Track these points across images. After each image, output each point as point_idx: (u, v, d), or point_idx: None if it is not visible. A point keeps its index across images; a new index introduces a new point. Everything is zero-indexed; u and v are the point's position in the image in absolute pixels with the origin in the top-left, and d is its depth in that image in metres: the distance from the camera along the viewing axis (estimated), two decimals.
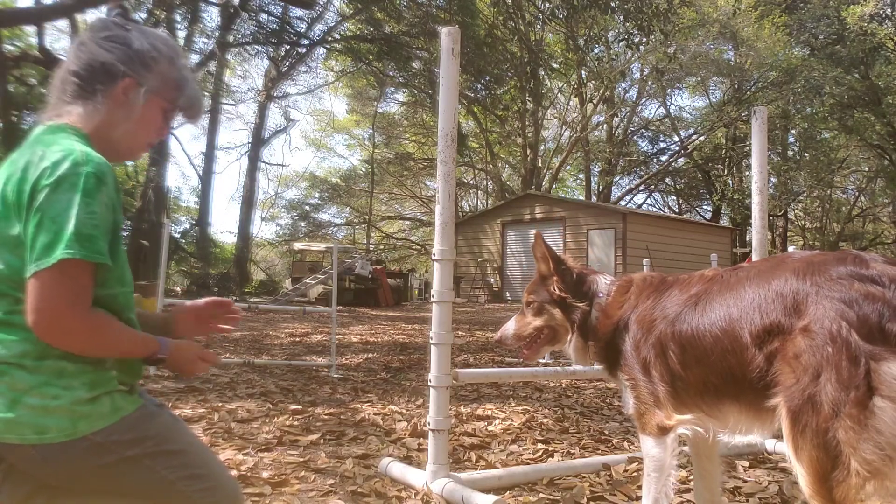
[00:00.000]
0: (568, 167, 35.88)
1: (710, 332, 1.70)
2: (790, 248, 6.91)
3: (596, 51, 24.73)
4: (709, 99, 33.88)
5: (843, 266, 1.48)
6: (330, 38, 23.21)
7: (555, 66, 26.41)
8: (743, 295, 1.66)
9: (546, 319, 2.10)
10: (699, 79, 31.18)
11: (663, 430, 1.82)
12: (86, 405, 1.44)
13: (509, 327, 2.16)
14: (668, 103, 34.14)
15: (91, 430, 1.43)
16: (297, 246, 31.15)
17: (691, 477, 2.67)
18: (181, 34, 19.77)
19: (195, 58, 19.72)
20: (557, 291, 2.07)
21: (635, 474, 2.70)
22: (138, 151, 1.68)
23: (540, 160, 31.11)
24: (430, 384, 2.47)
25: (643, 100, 33.42)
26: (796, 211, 36.06)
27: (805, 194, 33.08)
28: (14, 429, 1.40)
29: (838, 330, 1.36)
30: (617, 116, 33.36)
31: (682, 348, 1.76)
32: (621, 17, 16.14)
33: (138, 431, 1.49)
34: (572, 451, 3.15)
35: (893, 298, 1.35)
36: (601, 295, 2.05)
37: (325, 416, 3.82)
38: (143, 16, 18.66)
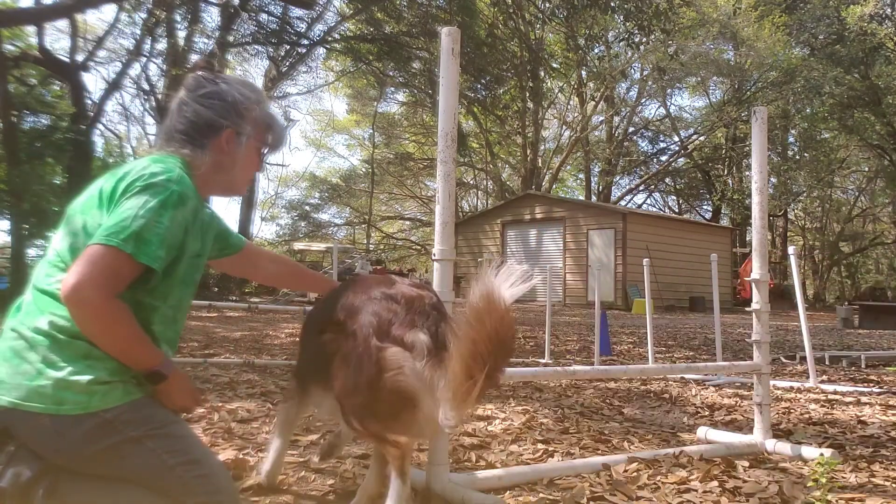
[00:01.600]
0: (568, 167, 35.90)
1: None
2: (790, 249, 6.90)
3: (596, 51, 24.77)
4: (709, 99, 33.91)
5: (381, 287, 1.99)
6: (330, 38, 23.20)
7: (555, 65, 26.42)
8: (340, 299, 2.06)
9: None
10: (699, 79, 31.19)
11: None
12: (103, 385, 1.55)
13: None
14: (668, 103, 34.19)
15: (103, 407, 1.54)
16: (298, 246, 31.15)
17: (692, 477, 2.67)
18: (181, 34, 19.77)
19: (195, 58, 19.71)
20: None
21: (635, 474, 2.70)
22: (242, 187, 1.93)
23: (540, 160, 31.12)
24: None
25: (643, 100, 33.44)
26: (796, 211, 36.07)
27: (805, 194, 33.09)
28: (37, 397, 1.50)
29: (365, 334, 1.88)
30: (617, 116, 33.37)
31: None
32: (621, 17, 16.14)
33: (144, 413, 1.59)
34: (572, 451, 3.15)
35: (400, 311, 1.89)
36: None
37: (325, 416, 3.82)
38: (143, 16, 18.67)
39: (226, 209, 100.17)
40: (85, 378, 1.52)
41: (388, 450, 1.94)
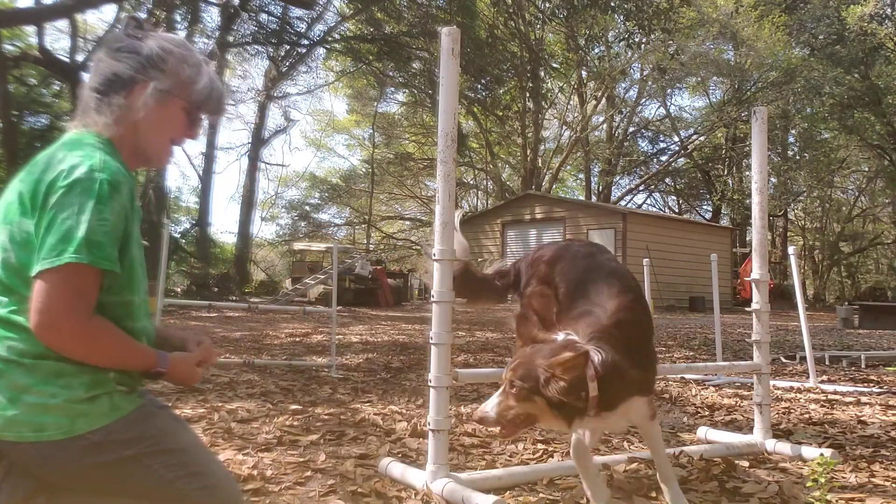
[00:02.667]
0: (568, 167, 35.88)
1: None
2: (790, 249, 6.92)
3: (596, 51, 24.77)
4: (709, 99, 33.90)
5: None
6: (330, 38, 23.21)
7: (555, 66, 26.42)
8: None
9: (532, 408, 1.97)
10: (699, 79, 31.18)
11: None
12: (84, 404, 1.45)
13: (490, 409, 2.00)
14: (668, 103, 34.17)
15: (89, 429, 1.45)
16: (297, 246, 31.14)
17: (692, 477, 2.67)
18: (181, 34, 19.77)
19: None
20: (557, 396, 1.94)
21: (635, 474, 2.70)
22: (165, 153, 1.71)
23: (540, 160, 31.11)
24: (430, 384, 2.47)
25: (643, 100, 33.43)
26: (796, 211, 36.06)
27: (805, 194, 33.08)
28: (12, 427, 1.41)
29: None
30: (617, 116, 33.35)
31: None
32: (621, 17, 16.14)
33: (137, 431, 1.50)
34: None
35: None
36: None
37: (325, 416, 3.82)
38: (143, 16, 18.67)
39: (225, 209, 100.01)
40: (60, 399, 1.43)
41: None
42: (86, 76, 1.73)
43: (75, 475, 1.48)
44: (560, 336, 2.07)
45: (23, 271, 1.45)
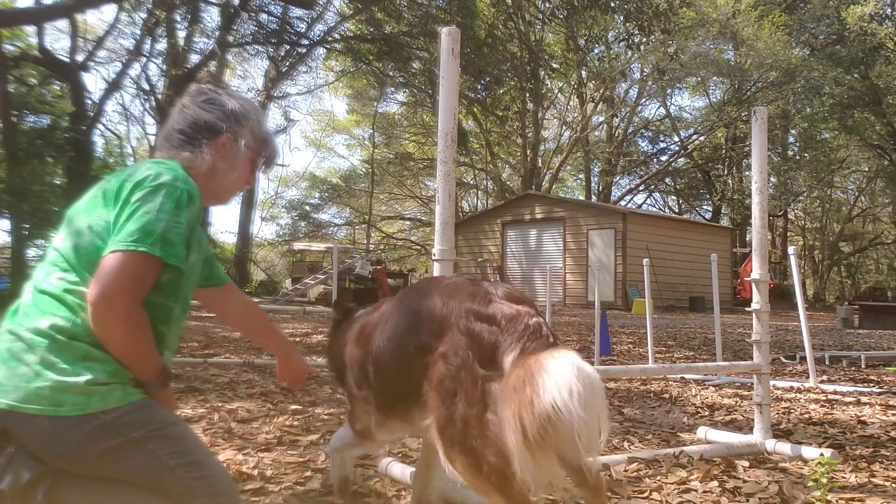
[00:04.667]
0: (568, 167, 35.89)
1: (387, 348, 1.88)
2: (790, 249, 6.92)
3: (596, 51, 24.76)
4: (709, 99, 33.92)
5: (472, 301, 1.68)
6: (330, 38, 23.19)
7: (555, 66, 26.39)
8: (409, 313, 1.83)
9: None
10: (699, 79, 31.18)
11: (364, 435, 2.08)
12: (101, 386, 1.55)
13: None
14: (668, 103, 34.19)
15: (102, 409, 1.53)
16: (298, 246, 31.13)
17: (692, 477, 2.67)
18: (181, 34, 19.78)
19: (195, 58, 19.74)
20: None
21: (635, 474, 2.70)
22: (233, 195, 1.95)
23: (540, 160, 31.11)
24: None
25: (643, 100, 33.45)
26: (796, 211, 36.08)
27: (805, 194, 33.10)
28: (34, 399, 1.50)
29: (465, 358, 1.60)
30: (617, 116, 33.37)
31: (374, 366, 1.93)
32: (621, 18, 16.14)
33: (144, 415, 1.59)
34: None
35: (503, 333, 1.59)
36: None
37: (325, 416, 3.82)
38: (143, 16, 18.66)
39: (226, 209, 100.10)
40: (83, 379, 1.52)
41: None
42: (163, 116, 2.01)
43: (81, 455, 1.54)
44: None
45: (92, 255, 1.60)
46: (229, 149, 1.84)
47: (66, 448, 1.53)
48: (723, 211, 32.77)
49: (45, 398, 1.50)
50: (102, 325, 1.54)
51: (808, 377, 5.73)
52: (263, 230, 44.32)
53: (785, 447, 3.16)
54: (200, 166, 1.80)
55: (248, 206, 27.85)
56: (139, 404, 1.59)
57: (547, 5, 18.68)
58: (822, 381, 5.70)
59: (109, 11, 23.76)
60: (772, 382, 4.98)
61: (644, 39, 17.01)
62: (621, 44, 19.51)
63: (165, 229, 1.58)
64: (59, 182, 14.69)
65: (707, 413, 4.32)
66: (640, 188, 35.70)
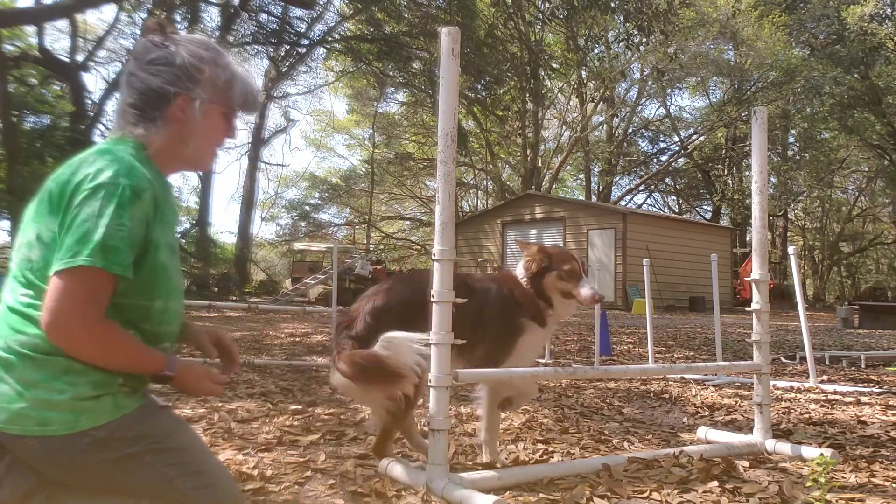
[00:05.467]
0: (568, 167, 35.89)
1: None
2: (790, 249, 6.95)
3: (596, 51, 24.76)
4: (709, 99, 33.92)
5: None
6: (330, 38, 23.21)
7: (555, 66, 26.40)
8: None
9: None
10: (699, 79, 31.20)
11: None
12: (89, 401, 1.47)
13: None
14: (668, 103, 34.20)
15: (93, 425, 1.46)
16: (298, 246, 31.15)
17: (692, 477, 2.67)
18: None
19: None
20: None
21: (635, 474, 2.70)
22: (209, 159, 1.75)
23: (540, 160, 31.11)
24: (430, 384, 2.47)
25: (643, 100, 33.46)
26: (796, 211, 36.08)
27: (805, 194, 33.10)
28: (18, 420, 1.43)
29: None
30: (617, 116, 33.37)
31: None
32: (621, 18, 16.14)
33: (139, 429, 1.52)
34: (572, 451, 3.15)
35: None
36: None
37: (325, 416, 3.82)
38: (143, 16, 18.65)
39: (226, 209, 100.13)
40: (67, 395, 1.45)
41: None
42: (119, 90, 1.72)
43: (77, 471, 1.50)
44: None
45: (45, 269, 1.48)
46: (188, 113, 1.64)
47: (58, 464, 1.47)
48: (723, 211, 32.78)
49: (31, 418, 1.43)
50: (70, 350, 1.45)
51: (808, 377, 5.73)
52: (263, 230, 44.35)
53: (785, 447, 3.16)
54: (160, 142, 1.63)
55: (248, 206, 27.87)
56: (134, 417, 1.52)
57: (547, 5, 18.68)
58: (822, 381, 5.70)
59: (109, 11, 23.77)
60: (772, 382, 4.98)
61: (644, 39, 17.01)
62: (621, 44, 19.51)
63: (105, 236, 1.43)
64: None
65: (707, 413, 4.32)
66: (640, 188, 35.73)
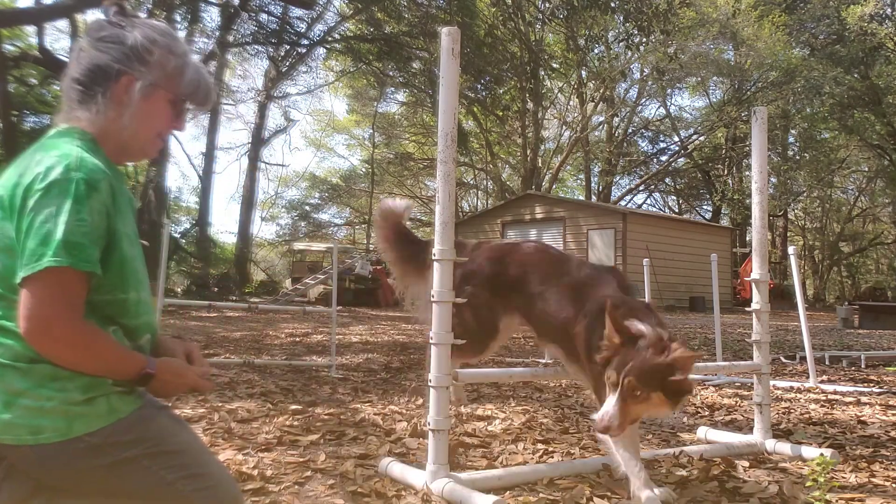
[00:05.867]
0: (568, 167, 35.89)
1: None
2: (790, 249, 6.95)
3: (596, 51, 24.77)
4: (709, 99, 33.92)
5: None
6: (330, 38, 23.22)
7: (555, 66, 26.43)
8: None
9: (650, 405, 2.16)
10: (699, 79, 31.19)
11: None
12: (81, 406, 1.44)
13: (613, 418, 2.10)
14: (668, 103, 34.20)
15: (87, 431, 1.44)
16: (298, 246, 31.16)
17: (692, 477, 2.67)
18: (181, 34, 19.76)
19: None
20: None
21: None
22: (150, 147, 1.66)
23: (540, 160, 31.11)
24: (430, 384, 2.47)
25: (643, 100, 33.45)
26: (796, 211, 36.08)
27: (805, 194, 33.10)
28: (10, 430, 1.41)
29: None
30: (617, 116, 33.37)
31: None
32: (621, 18, 16.15)
33: (136, 432, 1.49)
34: (572, 451, 3.15)
35: None
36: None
37: (325, 416, 3.82)
38: (143, 16, 18.66)
39: (226, 209, 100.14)
40: (56, 402, 1.42)
41: None
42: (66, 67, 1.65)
43: (74, 477, 1.48)
44: (644, 328, 2.20)
45: (9, 278, 1.43)
46: (130, 93, 1.56)
47: (54, 472, 1.45)
48: (723, 211, 32.78)
49: (22, 427, 1.40)
50: (51, 357, 1.42)
51: (808, 377, 5.73)
52: (263, 230, 44.26)
53: (785, 447, 3.16)
54: (102, 124, 1.56)
55: (248, 206, 27.88)
56: (130, 420, 1.48)
57: (547, 5, 18.69)
58: (822, 381, 5.70)
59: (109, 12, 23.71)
60: (772, 382, 4.98)
61: (644, 39, 17.02)
62: (621, 44, 19.53)
63: (66, 234, 1.38)
64: None
65: (707, 413, 4.32)
66: (640, 188, 35.72)
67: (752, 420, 3.36)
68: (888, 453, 3.17)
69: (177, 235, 24.02)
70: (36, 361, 1.43)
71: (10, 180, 1.47)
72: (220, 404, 4.03)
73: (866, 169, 33.24)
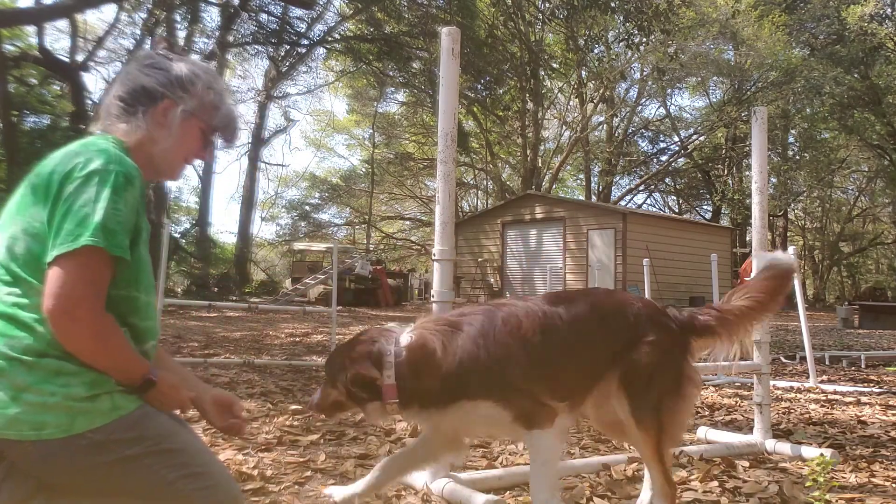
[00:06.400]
0: (568, 167, 35.87)
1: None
2: (790, 249, 6.96)
3: (596, 51, 24.75)
4: (709, 99, 33.89)
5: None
6: (330, 38, 23.21)
7: (555, 66, 26.42)
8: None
9: (337, 396, 2.06)
10: (699, 79, 31.16)
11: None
12: (84, 402, 1.45)
13: (315, 398, 2.11)
14: (668, 103, 34.15)
15: (89, 428, 1.45)
16: (298, 246, 31.14)
17: (692, 477, 2.67)
18: (181, 34, 19.77)
19: (195, 58, 19.75)
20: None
21: (635, 474, 2.70)
22: (177, 169, 1.78)
23: (540, 160, 31.09)
24: None
25: (643, 100, 33.42)
26: (796, 211, 36.06)
27: (805, 194, 33.08)
28: (13, 425, 1.41)
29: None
30: (617, 116, 33.34)
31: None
32: (621, 18, 16.15)
33: (138, 430, 1.50)
34: (572, 451, 3.15)
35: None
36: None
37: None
38: (143, 16, 18.67)
39: (226, 209, 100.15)
40: (59, 397, 1.43)
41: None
42: (109, 86, 1.79)
43: (75, 475, 1.48)
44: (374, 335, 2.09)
45: (34, 261, 1.48)
46: (169, 117, 1.68)
47: (56, 468, 1.46)
48: (723, 211, 32.76)
49: (25, 423, 1.41)
50: (69, 339, 1.44)
51: (808, 377, 5.73)
52: (263, 230, 44.28)
53: (785, 447, 3.16)
54: (137, 138, 1.66)
55: (248, 206, 27.86)
56: (132, 419, 1.50)
57: (547, 5, 18.69)
58: (822, 381, 5.70)
59: (109, 11, 23.75)
60: (772, 382, 4.98)
61: (644, 39, 17.02)
62: (621, 44, 19.52)
63: (104, 218, 1.45)
64: None
65: (707, 413, 4.32)
66: (640, 188, 35.69)
67: (752, 420, 3.36)
68: (888, 453, 3.17)
69: (177, 235, 23.99)
70: (43, 356, 1.45)
71: (46, 169, 1.53)
72: None
73: (866, 169, 33.22)
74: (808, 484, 2.45)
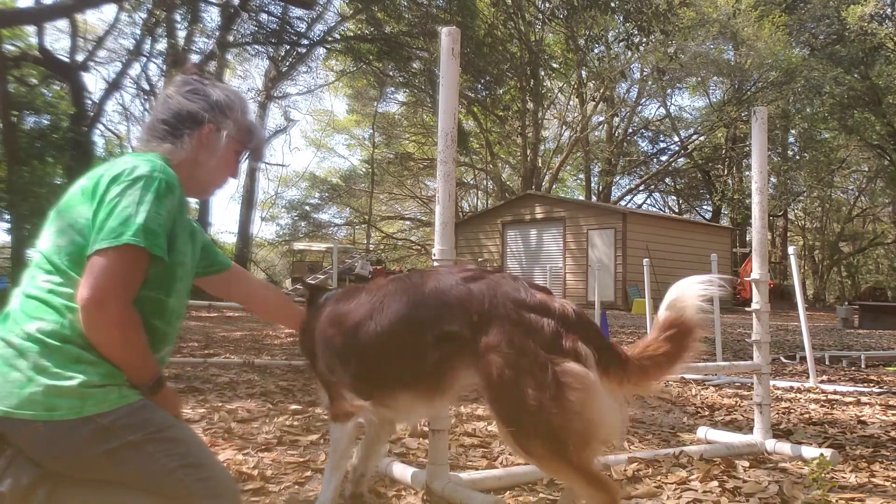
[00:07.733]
0: (568, 167, 35.87)
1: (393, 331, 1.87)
2: (790, 249, 6.96)
3: (596, 51, 24.74)
4: (709, 99, 33.89)
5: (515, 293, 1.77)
6: (330, 38, 23.18)
7: (555, 66, 26.39)
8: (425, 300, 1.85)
9: None
10: (699, 79, 31.17)
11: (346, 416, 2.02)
12: (95, 388, 1.53)
13: None
14: (668, 103, 34.15)
15: (98, 412, 1.52)
16: (298, 246, 31.15)
17: (692, 477, 2.67)
18: (181, 34, 19.76)
19: (195, 58, 19.73)
20: None
21: (635, 474, 2.70)
22: (216, 187, 1.94)
23: (540, 160, 31.10)
24: None
25: (643, 100, 33.43)
26: (796, 211, 36.06)
27: (805, 194, 33.07)
28: (27, 405, 1.49)
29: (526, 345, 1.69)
30: (617, 116, 33.35)
31: (366, 346, 1.91)
32: (621, 18, 16.15)
33: (141, 417, 1.57)
34: None
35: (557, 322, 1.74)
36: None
37: (325, 416, 3.81)
38: (143, 16, 18.66)
39: (226, 209, 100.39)
40: (76, 381, 1.51)
41: (582, 483, 1.69)
42: (152, 111, 1.94)
43: (80, 461, 1.53)
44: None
45: (74, 254, 1.59)
46: (212, 139, 1.83)
47: (62, 452, 1.51)
48: (723, 211, 32.76)
49: (39, 403, 1.48)
50: (95, 329, 1.53)
51: (808, 377, 5.73)
52: (263, 230, 44.29)
53: (785, 447, 3.16)
54: (182, 157, 1.79)
55: (248, 206, 27.85)
56: (137, 406, 1.57)
57: (547, 5, 18.69)
58: (822, 381, 5.70)
59: (109, 11, 23.76)
60: (772, 382, 4.98)
61: (644, 39, 17.02)
62: (621, 44, 19.50)
63: (147, 220, 1.57)
64: (59, 182, 14.71)
65: (707, 413, 4.32)
66: (640, 188, 35.71)
67: (752, 420, 3.36)
68: (888, 453, 3.17)
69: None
70: (67, 342, 1.54)
71: (97, 174, 1.67)
72: (220, 404, 4.03)
73: (866, 169, 33.21)
74: (808, 484, 2.45)
